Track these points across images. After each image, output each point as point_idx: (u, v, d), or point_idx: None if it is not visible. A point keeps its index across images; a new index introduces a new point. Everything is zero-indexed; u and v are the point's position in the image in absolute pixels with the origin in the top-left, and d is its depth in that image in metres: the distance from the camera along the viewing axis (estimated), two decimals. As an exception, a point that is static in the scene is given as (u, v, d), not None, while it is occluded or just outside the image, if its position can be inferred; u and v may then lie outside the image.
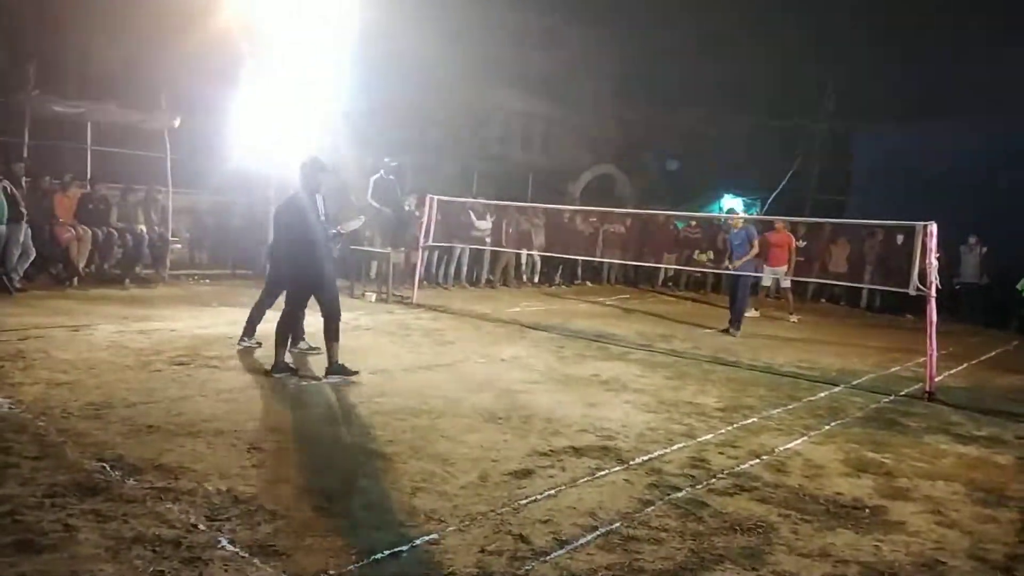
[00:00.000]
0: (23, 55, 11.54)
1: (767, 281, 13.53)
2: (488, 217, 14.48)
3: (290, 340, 6.63)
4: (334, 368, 6.10)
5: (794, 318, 12.58)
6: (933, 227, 7.31)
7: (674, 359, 8.38)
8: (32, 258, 9.74)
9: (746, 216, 15.43)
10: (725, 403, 6.39)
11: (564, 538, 3.48)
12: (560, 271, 16.28)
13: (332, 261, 6.40)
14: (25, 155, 10.87)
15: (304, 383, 6.00)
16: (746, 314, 11.64)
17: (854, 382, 7.75)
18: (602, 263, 16.74)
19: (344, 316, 9.42)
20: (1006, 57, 17.09)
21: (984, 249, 14.38)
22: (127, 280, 10.92)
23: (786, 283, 12.96)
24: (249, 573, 2.93)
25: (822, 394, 7.08)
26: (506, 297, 13.39)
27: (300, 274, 6.24)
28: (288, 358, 6.34)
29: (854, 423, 6.07)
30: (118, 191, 11.67)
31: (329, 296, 6.17)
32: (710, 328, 10.89)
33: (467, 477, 4.17)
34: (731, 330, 10.59)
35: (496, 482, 4.13)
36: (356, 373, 6.14)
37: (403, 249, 12.61)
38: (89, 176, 11.83)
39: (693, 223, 17.47)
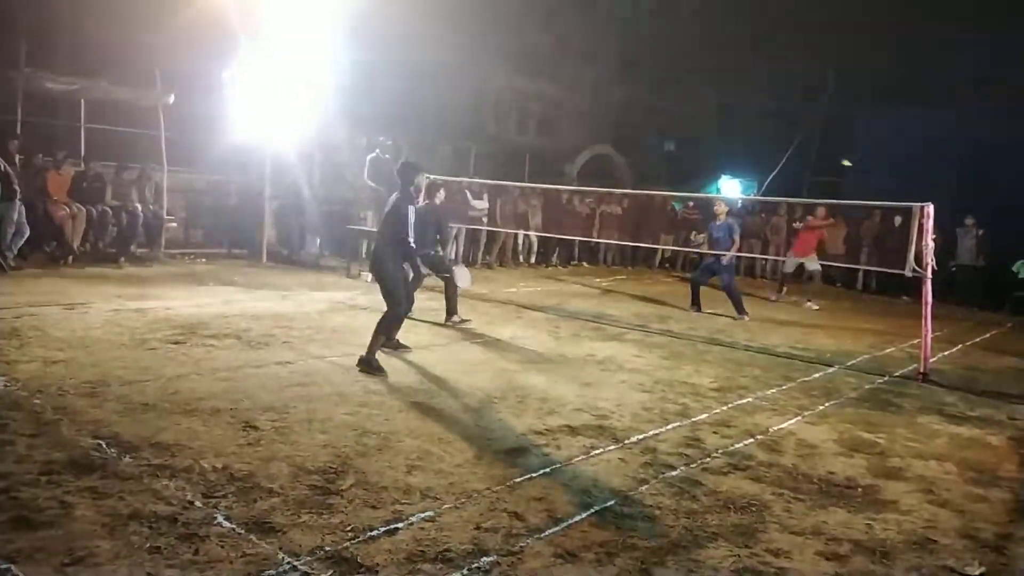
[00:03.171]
0: (15, 31, 11.40)
1: (789, 268, 12.72)
2: (484, 197, 14.44)
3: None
4: (367, 360, 5.83)
5: (814, 305, 11.98)
6: (930, 208, 7.31)
7: (670, 339, 8.40)
8: (26, 236, 9.71)
9: (733, 204, 15.43)
10: (720, 383, 6.42)
11: (559, 515, 3.50)
12: (557, 252, 16.27)
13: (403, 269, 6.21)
14: (18, 132, 10.79)
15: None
16: (771, 299, 11.49)
17: (849, 363, 7.78)
18: (599, 244, 16.74)
19: (340, 295, 9.48)
20: (1004, 40, 17.03)
21: (980, 231, 14.40)
22: (122, 258, 10.89)
23: (815, 266, 12.32)
24: (245, 549, 2.95)
25: (817, 375, 7.10)
26: (503, 278, 13.39)
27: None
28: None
29: (848, 403, 6.10)
30: (112, 169, 11.60)
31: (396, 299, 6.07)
32: (707, 310, 10.90)
33: (463, 455, 4.18)
34: (742, 315, 10.43)
35: (491, 460, 4.15)
36: (385, 373, 5.76)
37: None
38: (83, 154, 11.75)
39: (691, 204, 17.45)
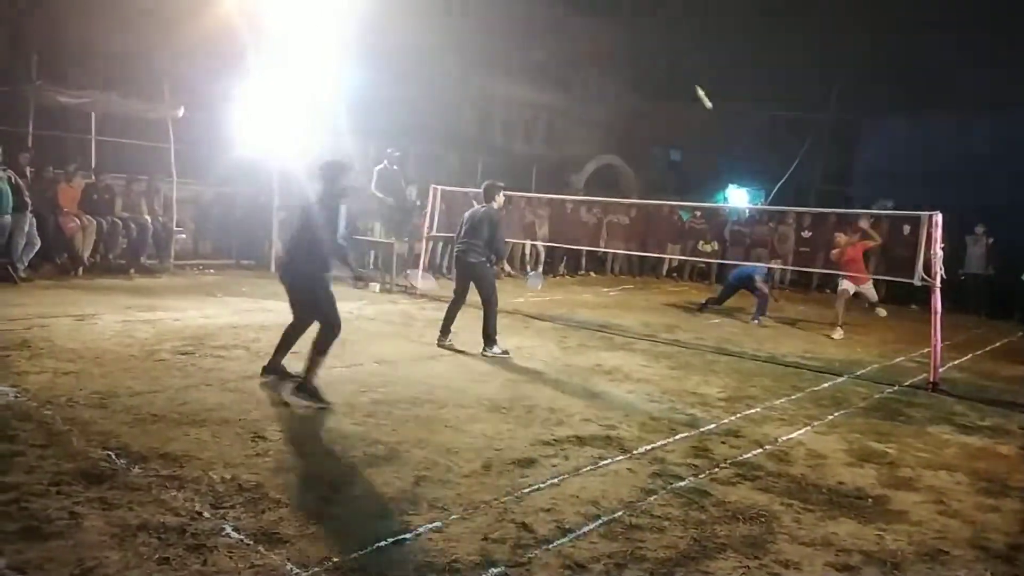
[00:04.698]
0: (26, 45, 11.53)
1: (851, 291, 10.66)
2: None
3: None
4: (305, 388, 5.14)
5: (882, 310, 10.87)
6: (938, 217, 7.29)
7: (678, 349, 8.38)
8: (37, 248, 9.77)
9: (740, 213, 15.61)
10: (728, 393, 6.40)
11: (567, 526, 3.49)
12: (564, 262, 16.27)
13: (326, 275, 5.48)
14: (29, 145, 10.89)
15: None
16: (834, 336, 10.09)
17: (858, 372, 7.74)
18: (606, 254, 16.73)
19: (348, 306, 9.48)
20: (1012, 49, 17.01)
21: (990, 240, 14.34)
22: (132, 270, 10.94)
23: (871, 293, 10.77)
24: (254, 560, 2.95)
25: (826, 384, 7.07)
26: (509, 287, 13.39)
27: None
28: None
29: (857, 413, 6.07)
30: (122, 181, 11.70)
31: (322, 311, 5.39)
32: (715, 319, 10.89)
33: (470, 466, 4.18)
34: (758, 318, 10.94)
35: (499, 471, 4.15)
36: (328, 405, 5.09)
37: (406, 239, 12.62)
38: (93, 166, 11.85)
39: (698, 214, 17.45)
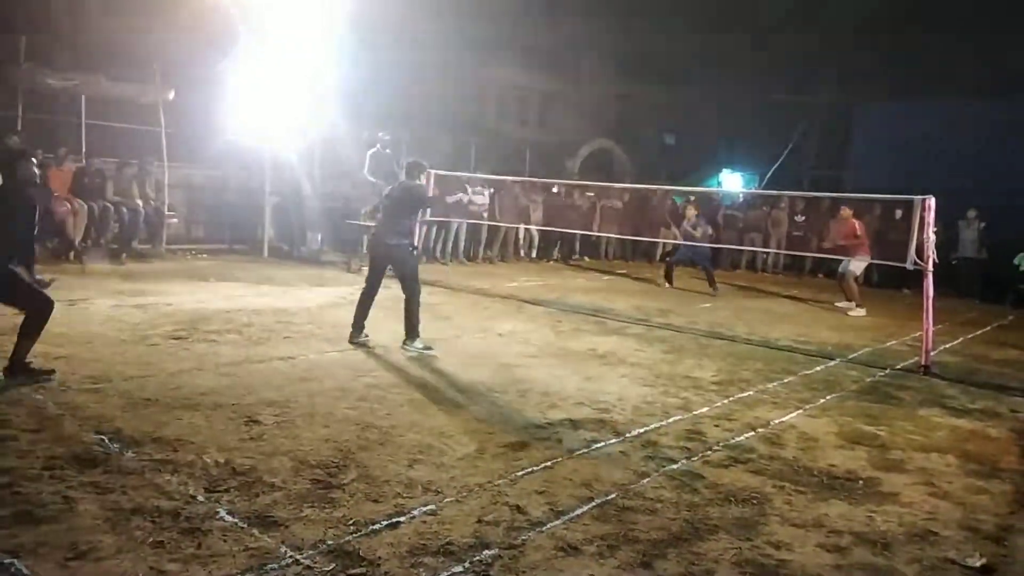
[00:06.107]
0: (14, 27, 11.40)
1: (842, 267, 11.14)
2: (485, 192, 14.43)
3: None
4: (16, 365, 4.78)
5: (855, 311, 10.75)
6: (931, 201, 7.29)
7: (671, 333, 8.40)
8: (27, 232, 9.70)
9: (734, 198, 15.92)
10: (721, 376, 6.42)
11: (560, 509, 3.51)
12: (558, 246, 16.25)
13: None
14: (18, 128, 10.79)
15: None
16: (852, 312, 10.66)
17: (850, 356, 7.78)
18: (599, 238, 16.72)
19: (340, 290, 9.48)
20: (1007, 35, 17.00)
21: (982, 224, 14.37)
22: (123, 254, 10.89)
23: (854, 267, 10.98)
24: (248, 543, 2.96)
25: (818, 368, 7.10)
26: (503, 272, 13.39)
27: None
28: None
29: (849, 396, 6.10)
30: (113, 165, 11.61)
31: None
32: (707, 303, 10.91)
33: (464, 449, 4.19)
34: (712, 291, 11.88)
35: (493, 454, 4.16)
36: (50, 374, 4.83)
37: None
38: (84, 150, 11.75)
39: (691, 198, 17.42)
